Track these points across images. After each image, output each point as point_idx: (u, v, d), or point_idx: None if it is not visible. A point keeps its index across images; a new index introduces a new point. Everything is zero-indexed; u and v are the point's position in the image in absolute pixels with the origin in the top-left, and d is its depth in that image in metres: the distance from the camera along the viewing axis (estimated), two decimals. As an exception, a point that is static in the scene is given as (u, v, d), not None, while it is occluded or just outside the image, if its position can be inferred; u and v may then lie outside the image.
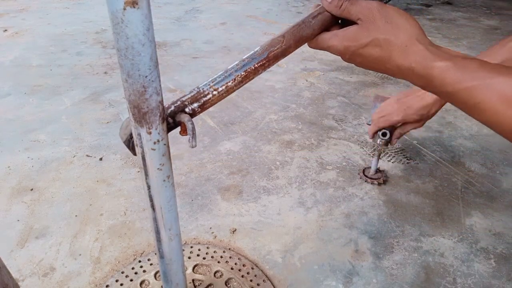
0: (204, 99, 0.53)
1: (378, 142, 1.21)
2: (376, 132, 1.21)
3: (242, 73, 0.54)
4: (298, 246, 1.12)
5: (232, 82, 0.53)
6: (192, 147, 0.49)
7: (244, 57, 0.54)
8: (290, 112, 1.87)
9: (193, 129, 0.50)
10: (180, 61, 2.50)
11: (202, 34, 3.07)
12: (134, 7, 0.39)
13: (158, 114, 0.49)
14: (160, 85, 0.48)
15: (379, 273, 1.04)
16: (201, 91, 0.53)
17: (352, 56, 0.53)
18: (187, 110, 0.53)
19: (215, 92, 0.53)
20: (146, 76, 0.44)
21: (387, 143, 1.20)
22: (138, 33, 0.41)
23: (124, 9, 0.39)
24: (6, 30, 3.03)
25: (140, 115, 0.48)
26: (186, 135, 0.52)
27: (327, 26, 0.56)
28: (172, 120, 0.53)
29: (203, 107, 0.54)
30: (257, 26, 3.31)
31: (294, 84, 2.19)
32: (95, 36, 2.95)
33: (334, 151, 1.56)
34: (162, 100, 0.49)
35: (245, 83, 0.55)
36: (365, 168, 1.43)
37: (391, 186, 1.37)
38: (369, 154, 1.55)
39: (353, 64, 0.55)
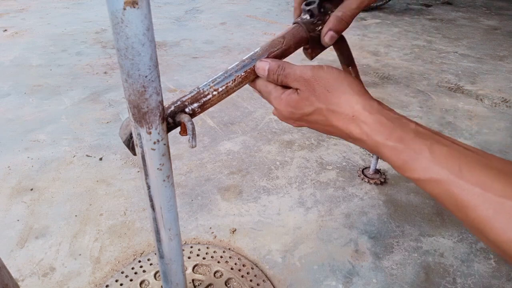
0: (204, 99, 0.53)
1: (302, 18, 0.58)
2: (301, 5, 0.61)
3: (242, 74, 0.54)
4: (298, 246, 1.12)
5: (232, 83, 0.53)
6: (192, 147, 0.49)
7: (244, 58, 0.54)
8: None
9: (193, 129, 0.50)
10: (180, 61, 2.50)
11: (202, 34, 3.07)
12: (134, 7, 0.39)
13: (158, 114, 0.49)
14: (160, 85, 0.47)
15: (379, 273, 1.04)
16: (201, 91, 0.53)
17: (298, 122, 0.50)
18: (187, 110, 0.53)
19: (215, 93, 0.53)
20: (146, 76, 0.44)
21: (316, 23, 0.57)
22: (138, 33, 0.41)
23: (124, 9, 0.38)
24: (6, 30, 3.03)
25: (140, 115, 0.47)
26: (186, 135, 0.52)
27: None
28: (172, 120, 0.53)
29: (203, 107, 0.54)
30: (257, 26, 3.31)
31: (294, 84, 2.19)
32: (95, 36, 2.95)
33: (334, 151, 1.56)
34: (162, 100, 0.49)
35: (245, 84, 0.55)
36: (365, 168, 1.43)
37: (391, 186, 1.37)
38: (369, 154, 1.55)
39: None
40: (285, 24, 3.39)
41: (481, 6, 4.09)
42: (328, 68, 0.47)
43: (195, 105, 0.53)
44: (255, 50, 0.55)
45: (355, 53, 2.67)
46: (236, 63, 0.54)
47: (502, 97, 2.06)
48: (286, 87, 0.51)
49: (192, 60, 2.53)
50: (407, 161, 0.40)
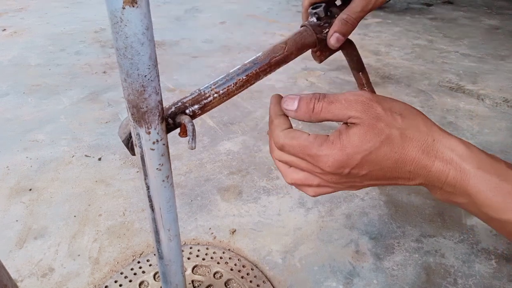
0: (205, 101, 0.53)
1: (309, 21, 0.61)
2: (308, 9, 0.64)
3: (244, 77, 0.54)
4: (299, 247, 1.11)
5: (233, 86, 0.53)
6: (192, 149, 0.48)
7: (246, 62, 0.54)
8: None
9: (194, 130, 0.49)
10: (180, 60, 2.50)
11: (201, 33, 3.06)
12: (133, 6, 0.38)
13: (157, 114, 0.48)
14: (159, 85, 0.47)
15: (379, 274, 1.04)
16: (202, 93, 0.53)
17: (352, 179, 0.38)
18: (187, 111, 0.53)
19: (216, 95, 0.53)
20: (145, 76, 0.44)
21: (323, 25, 0.61)
22: (137, 32, 0.40)
23: (123, 8, 0.38)
24: (4, 30, 3.03)
25: (139, 115, 0.47)
26: (186, 136, 0.51)
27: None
28: (172, 121, 0.52)
29: (203, 109, 0.54)
30: (257, 26, 3.30)
31: (295, 83, 2.19)
32: (94, 35, 2.94)
33: (334, 151, 1.56)
34: (162, 100, 0.49)
35: (246, 88, 0.55)
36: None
37: (392, 186, 1.36)
38: (370, 154, 1.54)
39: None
40: (285, 23, 3.39)
41: (482, 5, 4.08)
42: (380, 95, 0.38)
43: (196, 106, 0.53)
44: (257, 55, 0.55)
45: (355, 53, 2.67)
46: (238, 66, 0.54)
47: (504, 97, 2.05)
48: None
49: (192, 59, 2.53)
50: (505, 199, 0.33)
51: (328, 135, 0.39)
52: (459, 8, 3.97)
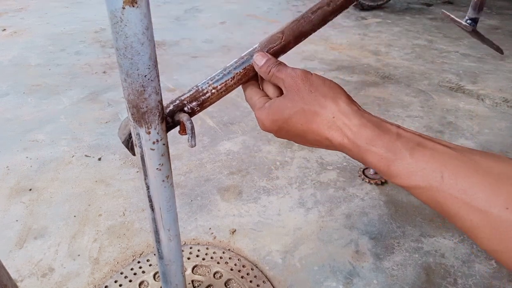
0: (203, 97, 0.53)
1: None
2: None
3: (241, 71, 0.53)
4: (299, 247, 1.11)
5: (231, 80, 0.53)
6: (192, 147, 0.48)
7: (243, 54, 0.54)
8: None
9: (192, 128, 0.49)
10: (180, 60, 2.50)
11: (201, 33, 3.06)
12: (133, 6, 0.38)
13: (157, 114, 0.48)
14: (159, 85, 0.47)
15: (379, 274, 1.04)
16: (200, 89, 0.52)
17: (280, 132, 0.48)
18: (186, 109, 0.53)
19: (214, 91, 0.52)
20: (145, 76, 0.44)
21: None
22: (137, 32, 0.40)
23: (123, 8, 0.38)
24: (4, 30, 3.02)
25: (139, 115, 0.47)
26: (185, 134, 0.51)
27: (326, 21, 0.55)
28: (171, 119, 0.52)
29: (202, 106, 0.53)
30: (257, 25, 3.30)
31: (294, 83, 2.18)
32: (94, 35, 2.94)
33: (335, 151, 1.56)
34: (161, 100, 0.49)
35: (244, 81, 0.54)
36: (366, 168, 1.43)
37: (392, 186, 1.36)
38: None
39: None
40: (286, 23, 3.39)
41: (481, 5, 4.08)
42: (316, 74, 0.47)
43: (194, 103, 0.52)
44: (254, 46, 0.54)
45: (355, 52, 2.67)
46: (235, 59, 0.53)
47: (503, 97, 2.05)
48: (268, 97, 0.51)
49: (192, 59, 2.53)
50: (390, 166, 0.39)
51: (269, 100, 0.49)
52: (459, 8, 3.97)
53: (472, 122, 1.80)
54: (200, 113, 1.86)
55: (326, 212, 1.24)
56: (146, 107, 0.46)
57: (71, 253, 1.08)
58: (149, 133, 0.49)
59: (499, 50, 1.27)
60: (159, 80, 0.47)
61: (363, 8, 3.79)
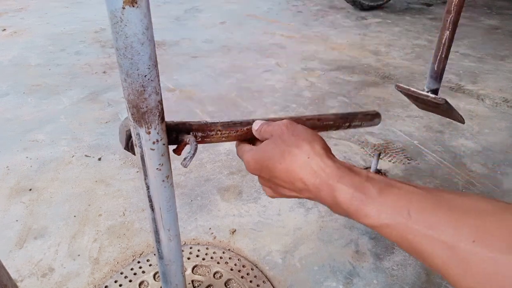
0: (209, 133, 0.56)
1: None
2: None
3: (244, 129, 0.58)
4: (298, 247, 1.11)
5: (234, 132, 0.57)
6: (184, 167, 0.52)
7: (250, 120, 0.59)
8: (291, 112, 1.86)
9: (195, 151, 0.52)
10: (180, 60, 2.50)
11: (201, 33, 3.06)
12: (133, 6, 0.38)
13: (157, 114, 0.48)
14: (159, 85, 0.47)
15: (379, 274, 1.04)
16: (209, 125, 0.56)
17: (263, 170, 0.50)
18: (191, 133, 0.55)
19: (219, 133, 0.56)
20: (145, 76, 0.44)
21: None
22: (137, 32, 0.40)
23: (123, 8, 0.38)
24: (4, 30, 3.02)
25: (139, 115, 0.47)
26: (180, 155, 0.55)
27: (315, 129, 0.61)
28: (176, 135, 0.53)
29: (203, 139, 0.56)
30: (257, 25, 3.30)
31: (295, 83, 2.18)
32: (94, 35, 2.94)
33: (335, 151, 1.56)
34: (161, 100, 0.49)
35: (241, 139, 0.58)
36: (366, 168, 1.43)
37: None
38: (370, 154, 1.54)
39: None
40: (286, 23, 3.39)
41: (482, 5, 4.08)
42: (301, 125, 0.52)
43: (200, 133, 0.55)
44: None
45: (355, 52, 2.67)
46: (243, 119, 0.59)
47: (503, 97, 2.05)
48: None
49: (192, 59, 2.53)
50: (359, 206, 0.40)
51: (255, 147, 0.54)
52: (459, 8, 3.97)
53: (472, 122, 1.80)
54: (200, 113, 1.86)
55: (326, 212, 1.24)
56: (146, 107, 0.46)
57: (71, 253, 1.08)
58: (149, 133, 0.49)
59: (461, 120, 1.19)
60: (159, 80, 0.47)
61: (363, 8, 3.79)
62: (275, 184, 0.50)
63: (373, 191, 0.40)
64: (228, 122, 0.57)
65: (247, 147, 0.56)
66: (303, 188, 0.46)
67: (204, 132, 0.55)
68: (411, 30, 3.24)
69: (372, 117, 0.70)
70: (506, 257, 0.30)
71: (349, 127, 0.70)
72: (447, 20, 1.11)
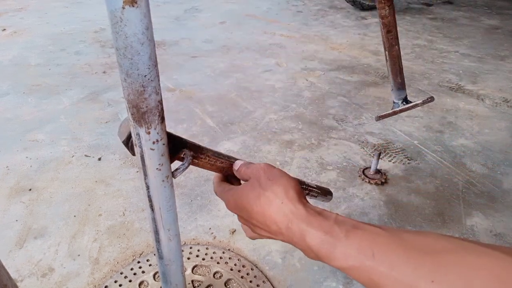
0: (199, 155, 0.57)
1: None
2: None
3: (229, 162, 0.60)
4: (298, 246, 1.11)
5: (220, 163, 0.59)
6: (174, 178, 0.54)
7: (235, 157, 0.61)
8: (290, 112, 1.86)
9: (189, 165, 0.54)
10: (179, 60, 2.50)
11: (201, 33, 3.06)
12: (133, 6, 0.38)
13: (157, 114, 0.48)
14: (159, 85, 0.47)
15: (379, 274, 1.03)
16: (202, 148, 0.57)
17: (242, 211, 0.53)
18: (186, 149, 0.56)
19: (207, 158, 0.58)
20: (145, 76, 0.44)
21: None
22: (137, 32, 0.40)
23: (123, 8, 0.38)
24: (4, 29, 3.02)
25: (139, 115, 0.47)
26: (170, 164, 0.55)
27: None
28: (172, 146, 0.54)
29: (193, 160, 0.57)
30: (257, 25, 3.30)
31: (294, 83, 2.18)
32: (93, 35, 2.94)
33: (335, 151, 1.56)
34: (161, 100, 0.49)
35: (224, 172, 0.61)
36: (366, 168, 1.43)
37: (392, 186, 1.36)
38: (370, 154, 1.54)
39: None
40: (285, 23, 3.39)
41: (482, 5, 4.08)
42: (278, 168, 0.54)
43: (192, 152, 0.56)
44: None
45: (355, 52, 2.67)
46: (230, 155, 0.61)
47: (503, 97, 2.05)
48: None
49: (192, 59, 2.53)
50: (329, 249, 0.42)
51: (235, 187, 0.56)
52: (459, 8, 3.97)
53: (472, 122, 1.80)
54: (200, 113, 1.87)
55: (326, 212, 1.24)
56: (146, 107, 0.46)
57: (71, 253, 1.08)
58: (149, 133, 0.49)
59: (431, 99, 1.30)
60: (159, 80, 0.47)
61: (363, 8, 3.79)
62: (253, 225, 0.52)
63: (340, 234, 0.42)
64: (218, 152, 0.59)
65: (226, 186, 0.58)
66: (277, 231, 0.48)
67: (196, 153, 0.57)
68: (411, 30, 3.24)
69: (325, 193, 0.73)
70: None
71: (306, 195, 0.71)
72: (391, 38, 1.25)
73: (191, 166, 0.57)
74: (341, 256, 0.40)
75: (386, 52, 1.28)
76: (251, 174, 0.54)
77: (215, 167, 0.60)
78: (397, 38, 1.24)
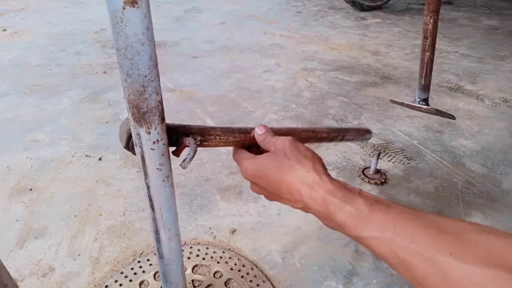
0: (208, 137, 0.57)
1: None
2: None
3: (242, 136, 0.60)
4: (298, 246, 1.12)
5: (232, 138, 0.59)
6: (184, 168, 0.53)
7: (247, 127, 0.61)
8: (290, 112, 1.87)
9: (195, 153, 0.53)
10: (180, 61, 2.50)
11: (201, 33, 3.07)
12: (133, 6, 0.38)
13: (158, 114, 0.48)
14: (159, 85, 0.47)
15: (379, 273, 1.04)
16: (209, 129, 0.57)
17: (259, 178, 0.54)
18: (191, 136, 0.56)
19: (217, 137, 0.58)
20: (145, 76, 0.44)
21: None
22: (137, 32, 0.40)
23: (124, 8, 0.38)
24: (5, 30, 3.03)
25: (139, 115, 0.47)
26: (178, 156, 0.55)
27: (309, 141, 0.64)
28: (175, 137, 0.54)
29: (202, 143, 0.57)
30: (257, 26, 3.31)
31: (294, 83, 2.19)
32: (94, 36, 2.94)
33: (334, 151, 1.56)
34: (162, 100, 0.49)
35: (239, 144, 0.61)
36: (365, 168, 1.43)
37: (392, 186, 1.37)
38: (369, 154, 1.54)
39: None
40: (285, 23, 3.39)
41: (481, 6, 4.09)
42: (303, 144, 0.56)
43: (199, 137, 0.56)
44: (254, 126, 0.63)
45: (355, 53, 2.67)
46: (241, 126, 0.60)
47: (503, 97, 2.05)
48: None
49: (192, 59, 2.53)
50: (350, 218, 0.44)
51: (258, 156, 0.56)
52: (458, 8, 3.98)
53: (471, 122, 1.81)
54: (200, 113, 1.87)
55: (326, 212, 1.24)
56: (147, 107, 0.47)
57: (71, 253, 1.08)
58: (149, 133, 0.49)
59: (452, 117, 1.41)
60: (159, 80, 0.47)
61: (362, 8, 3.80)
62: (269, 193, 0.54)
63: (363, 206, 0.43)
64: (227, 127, 0.58)
65: (245, 154, 0.59)
66: (298, 199, 0.50)
67: (203, 136, 0.57)
68: (411, 30, 3.24)
69: (363, 133, 0.74)
70: (480, 268, 0.32)
71: (341, 140, 0.73)
72: (426, 44, 1.28)
73: (191, 165, 0.57)
74: (362, 225, 0.42)
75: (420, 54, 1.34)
76: (276, 144, 0.54)
77: (230, 143, 0.60)
78: (432, 45, 1.28)
